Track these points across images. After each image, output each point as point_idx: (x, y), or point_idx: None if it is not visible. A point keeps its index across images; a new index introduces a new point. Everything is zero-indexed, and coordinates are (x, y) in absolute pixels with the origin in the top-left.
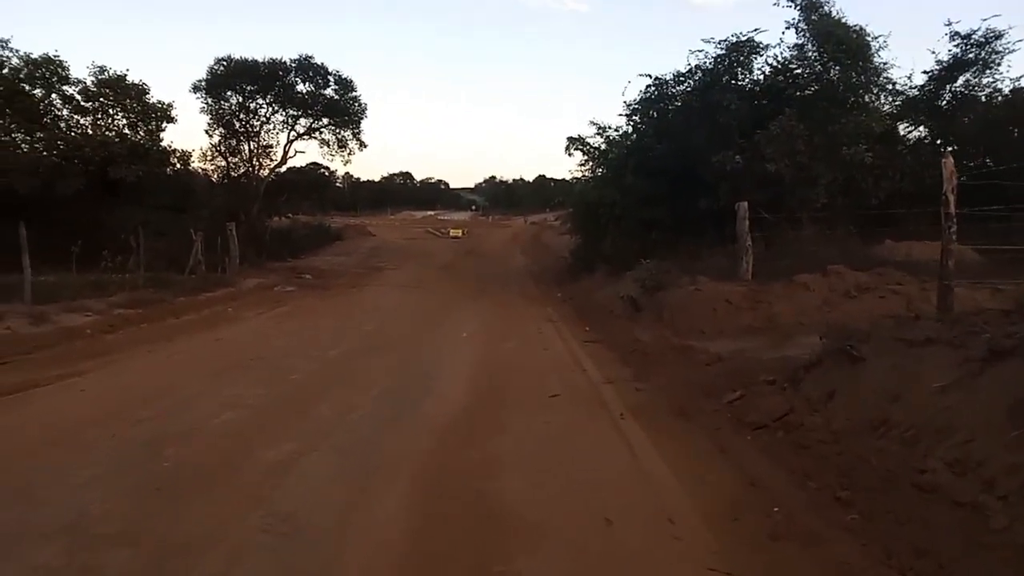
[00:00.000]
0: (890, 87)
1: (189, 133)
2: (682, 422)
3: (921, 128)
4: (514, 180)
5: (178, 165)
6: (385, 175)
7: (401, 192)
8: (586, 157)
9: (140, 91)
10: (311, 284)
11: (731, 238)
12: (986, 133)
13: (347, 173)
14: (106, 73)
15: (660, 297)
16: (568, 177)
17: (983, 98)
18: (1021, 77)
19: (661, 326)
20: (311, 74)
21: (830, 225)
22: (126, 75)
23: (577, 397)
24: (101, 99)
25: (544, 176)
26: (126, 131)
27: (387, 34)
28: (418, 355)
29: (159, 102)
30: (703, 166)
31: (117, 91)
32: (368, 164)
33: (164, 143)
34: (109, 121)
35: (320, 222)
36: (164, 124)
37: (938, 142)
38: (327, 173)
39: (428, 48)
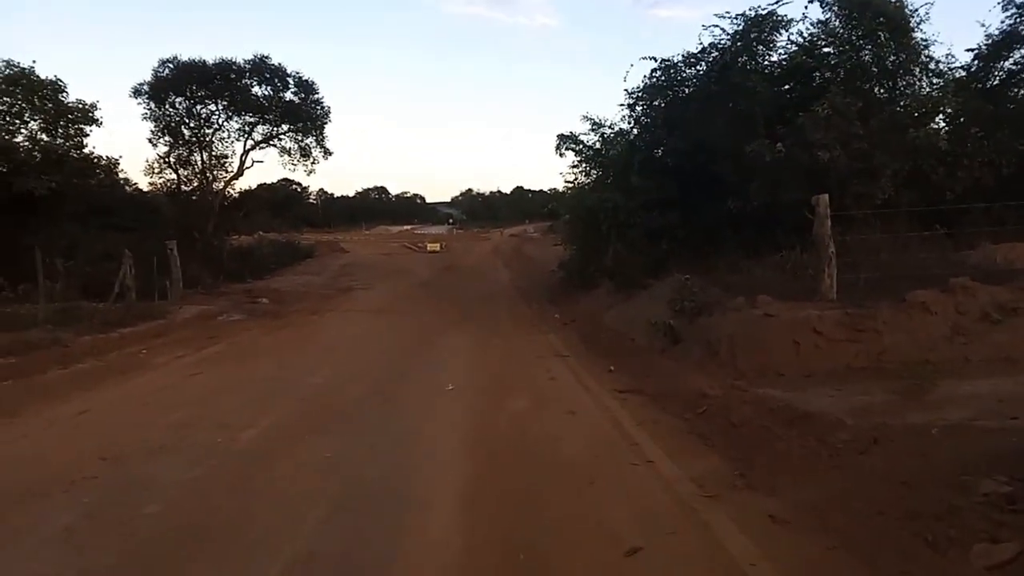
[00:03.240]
0: (933, 67)
1: (134, 144)
2: None
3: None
4: (491, 192)
5: (102, 176)
6: (360, 190)
7: (376, 207)
8: (580, 157)
9: (55, 88)
10: (265, 310)
11: (761, 247)
12: None
13: (320, 189)
14: (13, 68)
15: (706, 324)
16: (550, 186)
17: None
18: None
19: (717, 366)
20: (268, 76)
21: (896, 226)
22: (33, 68)
23: (679, 556)
24: (7, 99)
25: (522, 188)
26: (42, 136)
27: (356, 52)
28: (380, 440)
29: (78, 101)
30: (725, 161)
31: (26, 88)
32: (342, 179)
33: (87, 150)
34: (18, 125)
35: (289, 239)
36: (88, 128)
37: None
38: (299, 189)
39: (400, 60)
